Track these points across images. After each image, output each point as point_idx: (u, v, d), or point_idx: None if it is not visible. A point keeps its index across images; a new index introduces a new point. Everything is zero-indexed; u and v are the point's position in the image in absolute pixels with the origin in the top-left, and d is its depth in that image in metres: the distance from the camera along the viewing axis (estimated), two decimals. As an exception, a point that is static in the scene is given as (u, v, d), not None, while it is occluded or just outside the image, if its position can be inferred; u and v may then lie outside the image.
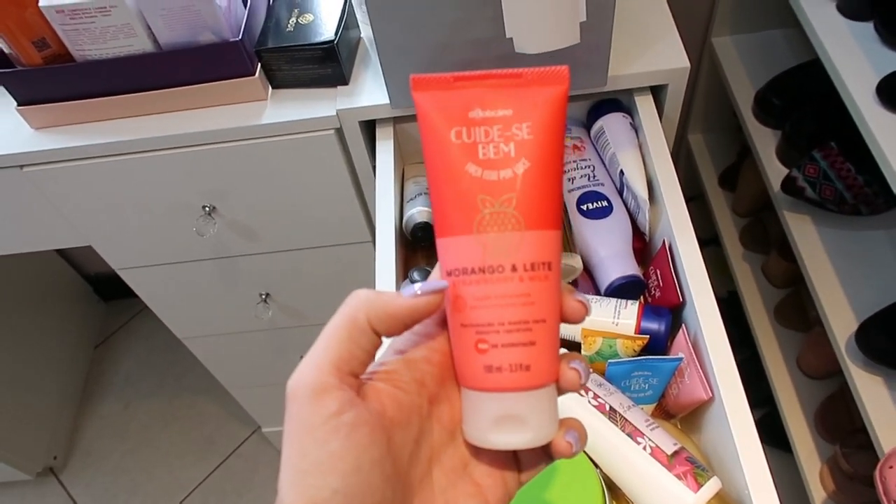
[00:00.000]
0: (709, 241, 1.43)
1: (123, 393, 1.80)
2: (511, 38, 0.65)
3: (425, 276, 0.68)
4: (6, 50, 0.75)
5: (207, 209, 0.88)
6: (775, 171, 1.11)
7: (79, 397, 1.79)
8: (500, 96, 0.30)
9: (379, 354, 0.31)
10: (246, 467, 1.66)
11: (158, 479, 1.66)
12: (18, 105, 0.78)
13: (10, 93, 0.78)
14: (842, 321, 0.96)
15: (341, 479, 0.27)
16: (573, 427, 0.32)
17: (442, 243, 0.31)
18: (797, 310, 1.19)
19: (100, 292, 1.89)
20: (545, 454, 0.33)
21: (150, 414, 1.76)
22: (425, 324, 0.32)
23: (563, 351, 0.32)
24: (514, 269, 0.30)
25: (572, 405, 0.58)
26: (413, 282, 0.69)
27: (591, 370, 0.35)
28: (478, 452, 0.32)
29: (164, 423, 1.74)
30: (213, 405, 1.75)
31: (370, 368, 0.31)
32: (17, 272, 1.59)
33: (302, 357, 1.07)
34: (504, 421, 0.30)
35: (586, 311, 0.32)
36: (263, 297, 1.06)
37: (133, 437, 1.73)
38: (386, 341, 0.31)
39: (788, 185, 1.04)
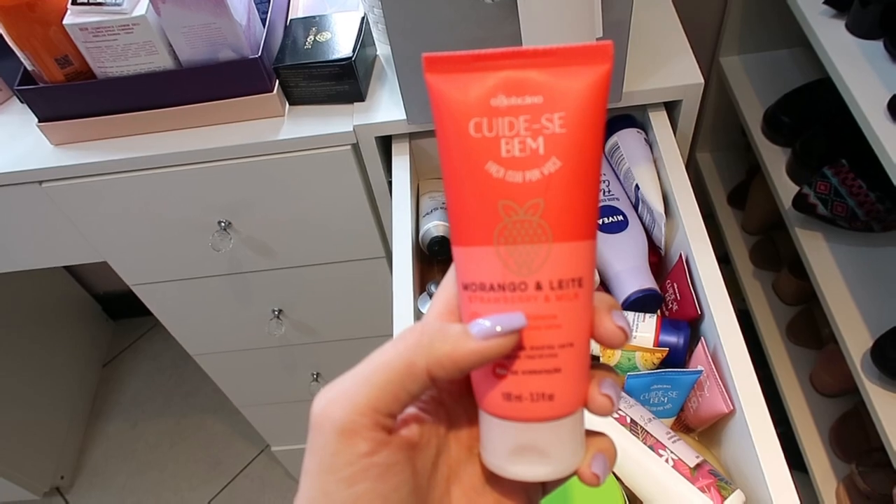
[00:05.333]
0: (719, 259, 1.43)
1: (131, 412, 1.79)
2: (528, 55, 0.66)
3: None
4: (29, 67, 0.77)
5: (223, 224, 0.89)
6: (786, 189, 1.11)
7: (86, 417, 1.79)
8: (528, 79, 0.25)
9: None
10: (253, 487, 1.65)
11: (165, 500, 1.65)
12: (39, 121, 0.79)
13: (31, 109, 0.79)
14: (856, 338, 0.96)
15: None
16: (601, 451, 0.29)
17: (458, 253, 0.28)
18: (809, 327, 1.19)
19: (108, 311, 1.89)
20: None
21: (157, 434, 1.75)
22: None
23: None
24: (538, 286, 0.26)
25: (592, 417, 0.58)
26: (431, 295, 0.69)
27: (621, 390, 0.31)
28: (496, 477, 0.29)
29: (172, 443, 1.73)
30: (220, 424, 1.74)
31: None
32: (27, 290, 1.60)
33: (315, 376, 1.06)
34: (524, 451, 0.28)
35: (626, 338, 0.28)
36: (276, 313, 1.06)
37: (140, 457, 1.72)
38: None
39: (800, 202, 1.05)
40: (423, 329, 0.26)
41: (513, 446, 0.28)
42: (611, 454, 0.29)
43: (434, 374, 0.26)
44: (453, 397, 0.30)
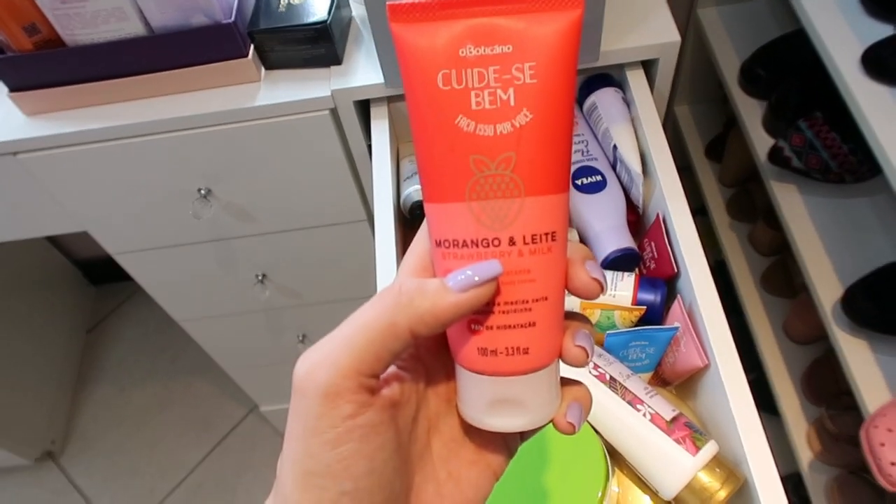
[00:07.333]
0: (696, 211, 1.45)
1: (118, 377, 1.80)
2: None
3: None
4: (-5, 36, 0.75)
5: (203, 192, 0.89)
6: (762, 142, 1.13)
7: (73, 382, 1.80)
8: (497, 27, 0.25)
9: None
10: (244, 446, 1.68)
11: (157, 462, 1.68)
12: (10, 91, 0.78)
13: (1, 79, 0.77)
14: (827, 287, 0.99)
15: (353, 482, 0.25)
16: (577, 400, 0.29)
17: (430, 209, 0.27)
18: (783, 277, 1.22)
19: (90, 277, 1.89)
20: None
21: (145, 397, 1.77)
22: None
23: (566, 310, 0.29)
24: (511, 241, 0.26)
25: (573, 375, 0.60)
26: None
27: (594, 340, 0.32)
28: (475, 428, 0.30)
29: (160, 406, 1.75)
30: (208, 386, 1.76)
31: None
32: (6, 259, 1.58)
33: (302, 339, 1.06)
34: (500, 404, 0.28)
35: (601, 289, 0.28)
36: (260, 277, 1.07)
37: (130, 420, 1.74)
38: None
39: (775, 155, 1.06)
40: (400, 288, 0.26)
41: (489, 399, 0.28)
42: (586, 402, 0.30)
43: (416, 331, 0.26)
44: (430, 352, 0.30)
